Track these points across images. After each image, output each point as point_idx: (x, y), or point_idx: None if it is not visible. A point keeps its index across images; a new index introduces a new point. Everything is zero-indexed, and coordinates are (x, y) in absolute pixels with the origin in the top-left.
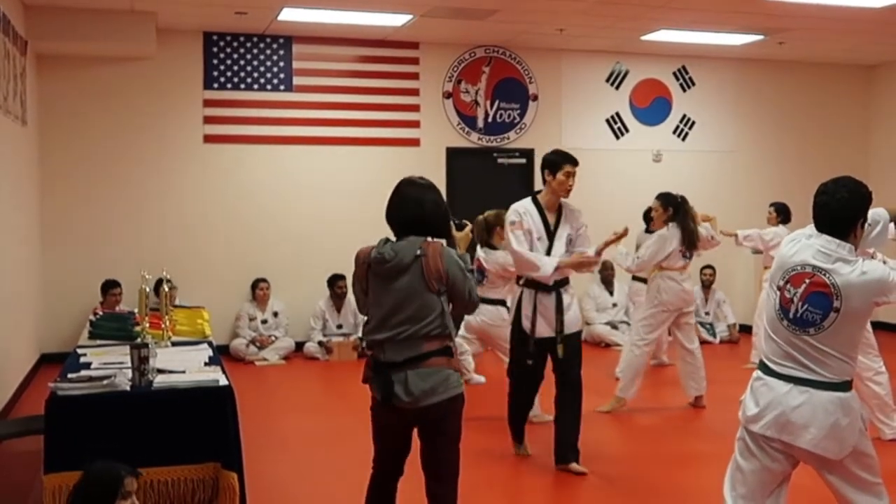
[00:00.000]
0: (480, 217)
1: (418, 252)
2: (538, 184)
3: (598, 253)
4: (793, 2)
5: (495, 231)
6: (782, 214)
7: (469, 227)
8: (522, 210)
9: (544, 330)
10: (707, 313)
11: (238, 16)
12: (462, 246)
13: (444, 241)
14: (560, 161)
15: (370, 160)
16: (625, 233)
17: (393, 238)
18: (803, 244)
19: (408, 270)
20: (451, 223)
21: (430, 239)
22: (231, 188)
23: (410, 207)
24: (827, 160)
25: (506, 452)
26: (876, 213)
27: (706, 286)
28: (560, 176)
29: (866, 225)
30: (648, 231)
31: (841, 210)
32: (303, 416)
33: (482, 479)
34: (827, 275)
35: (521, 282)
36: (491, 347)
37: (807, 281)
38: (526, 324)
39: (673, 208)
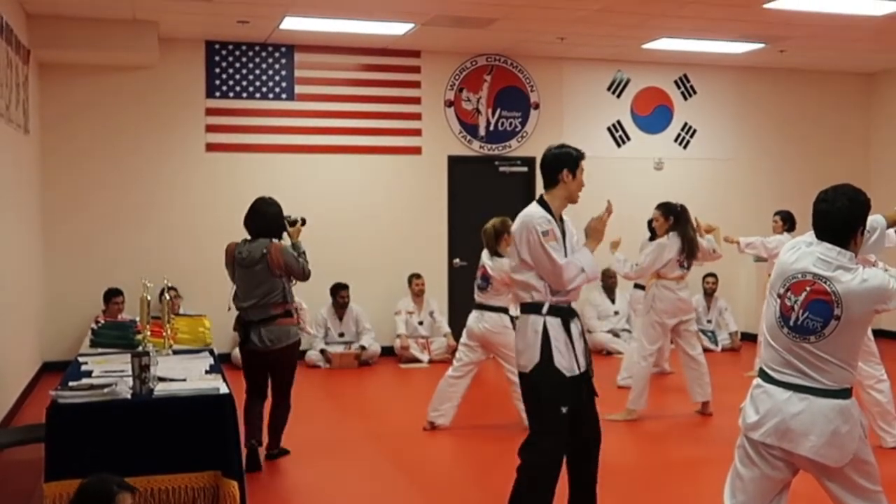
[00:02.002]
0: (488, 225)
1: (265, 251)
2: (539, 192)
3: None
4: (793, 10)
5: (502, 238)
6: (788, 222)
7: (299, 222)
8: (548, 217)
9: (577, 366)
10: (709, 321)
11: (240, 24)
12: (294, 236)
13: (281, 238)
14: (580, 157)
15: (372, 169)
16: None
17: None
18: (803, 252)
19: (258, 262)
20: (287, 222)
21: (273, 240)
22: (233, 197)
23: (258, 220)
24: (828, 168)
25: (509, 461)
26: (874, 219)
27: (708, 294)
28: (579, 175)
29: (865, 232)
30: (652, 240)
31: (841, 218)
32: (303, 425)
33: (488, 487)
34: (827, 282)
35: (543, 310)
36: (493, 355)
37: (807, 289)
38: (560, 360)
39: (674, 217)
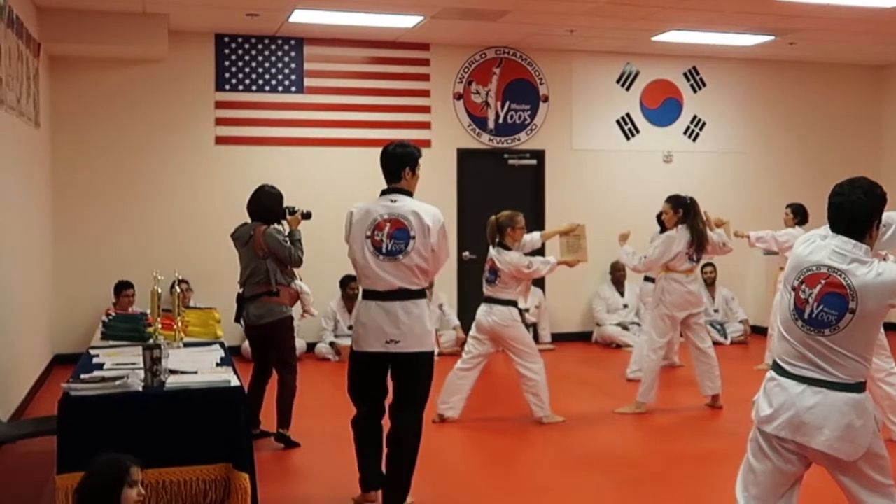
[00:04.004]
0: (493, 218)
1: (251, 233)
2: (549, 185)
3: None
4: (804, 2)
5: (507, 232)
6: (799, 215)
7: (299, 213)
8: None
9: None
10: (716, 310)
11: (249, 17)
12: (293, 225)
13: (275, 224)
14: (418, 154)
15: None
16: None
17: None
18: (818, 244)
19: (247, 244)
20: (287, 211)
21: (261, 225)
22: (242, 189)
23: (255, 205)
24: (838, 161)
25: (519, 453)
26: (889, 215)
27: (709, 284)
28: (418, 171)
29: (881, 226)
30: (663, 233)
31: (856, 211)
32: (313, 417)
33: (497, 479)
34: (842, 276)
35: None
36: (502, 348)
37: (822, 282)
38: None
39: (683, 210)
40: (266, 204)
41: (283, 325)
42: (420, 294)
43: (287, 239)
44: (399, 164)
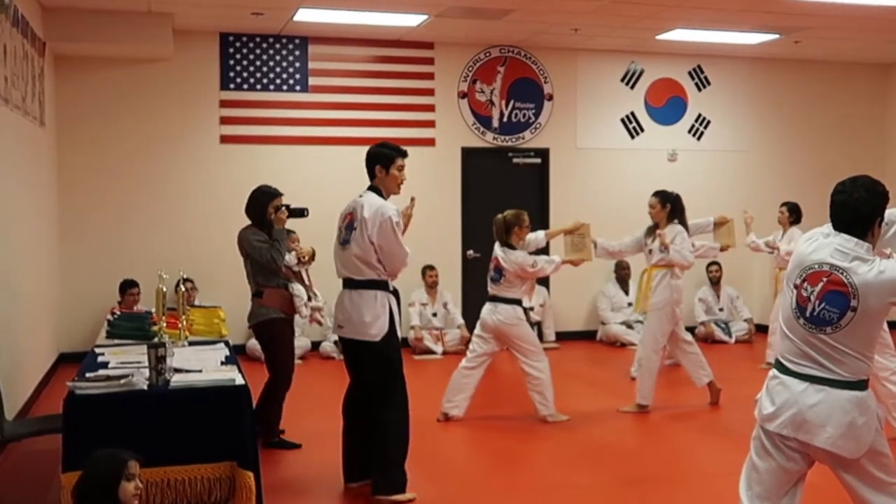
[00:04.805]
0: (499, 216)
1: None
2: (553, 183)
3: None
4: (809, 0)
5: (513, 231)
6: (794, 214)
7: (283, 209)
8: (399, 210)
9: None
10: (721, 309)
11: (254, 16)
12: (278, 223)
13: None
14: (394, 154)
15: None
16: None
17: None
18: (821, 242)
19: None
20: (273, 209)
21: (248, 226)
22: (247, 188)
23: (247, 207)
24: (843, 159)
25: (523, 452)
26: (891, 213)
27: (714, 283)
28: (394, 171)
29: (883, 224)
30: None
31: (859, 209)
32: (318, 416)
33: (501, 478)
34: (844, 273)
35: (390, 287)
36: (507, 347)
37: (824, 279)
38: (398, 330)
39: (671, 205)
40: (248, 203)
41: (266, 327)
42: (368, 285)
43: (263, 240)
44: (372, 163)
